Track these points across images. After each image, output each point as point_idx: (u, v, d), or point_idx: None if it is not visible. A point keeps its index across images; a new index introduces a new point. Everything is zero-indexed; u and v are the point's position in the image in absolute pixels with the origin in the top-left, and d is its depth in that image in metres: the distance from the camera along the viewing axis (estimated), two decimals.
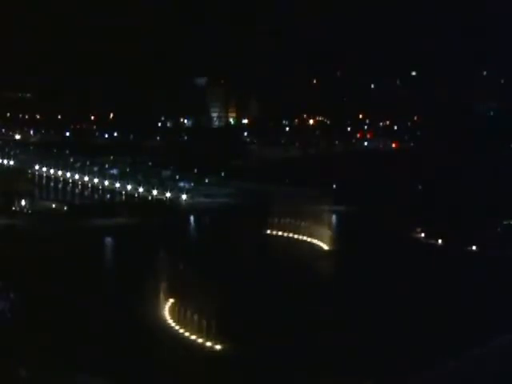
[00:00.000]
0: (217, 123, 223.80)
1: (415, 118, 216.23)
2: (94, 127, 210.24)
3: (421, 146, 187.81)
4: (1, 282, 58.43)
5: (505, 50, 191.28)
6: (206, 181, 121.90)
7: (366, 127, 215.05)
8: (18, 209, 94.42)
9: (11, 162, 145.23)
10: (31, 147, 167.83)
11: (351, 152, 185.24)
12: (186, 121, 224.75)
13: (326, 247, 78.02)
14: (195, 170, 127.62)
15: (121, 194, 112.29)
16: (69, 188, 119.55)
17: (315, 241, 79.77)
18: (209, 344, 48.10)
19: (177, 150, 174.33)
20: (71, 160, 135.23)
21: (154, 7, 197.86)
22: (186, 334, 50.08)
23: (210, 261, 68.97)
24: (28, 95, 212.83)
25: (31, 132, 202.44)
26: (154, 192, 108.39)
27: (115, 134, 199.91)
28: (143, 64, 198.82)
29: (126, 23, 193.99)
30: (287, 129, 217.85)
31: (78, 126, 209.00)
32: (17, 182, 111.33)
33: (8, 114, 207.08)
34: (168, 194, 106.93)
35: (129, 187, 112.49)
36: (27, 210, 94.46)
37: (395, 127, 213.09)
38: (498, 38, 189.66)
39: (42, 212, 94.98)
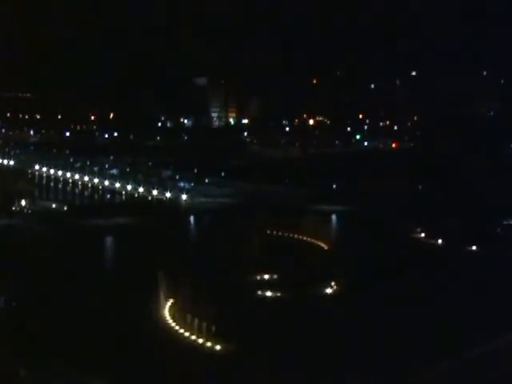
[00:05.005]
0: (217, 123, 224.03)
1: (415, 118, 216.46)
2: (94, 127, 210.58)
3: (421, 146, 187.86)
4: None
5: (505, 50, 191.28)
6: (206, 181, 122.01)
7: (365, 127, 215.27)
8: (18, 209, 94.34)
9: (11, 162, 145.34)
10: (31, 147, 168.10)
11: (351, 152, 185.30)
12: (185, 121, 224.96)
13: (325, 247, 77.98)
14: (195, 170, 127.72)
15: (121, 194, 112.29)
16: (69, 188, 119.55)
17: (315, 241, 79.73)
18: None
19: (177, 149, 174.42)
20: (71, 160, 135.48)
21: (154, 7, 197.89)
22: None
23: (210, 261, 68.90)
24: (28, 95, 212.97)
25: (31, 132, 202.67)
26: (154, 192, 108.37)
27: (115, 134, 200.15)
28: (143, 64, 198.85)
29: (127, 23, 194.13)
30: (287, 129, 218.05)
31: (78, 126, 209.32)
32: (17, 181, 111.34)
33: (8, 114, 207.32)
34: (168, 194, 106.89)
35: (129, 187, 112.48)
36: (27, 210, 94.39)
37: (395, 127, 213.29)
38: (497, 38, 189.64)
39: (42, 212, 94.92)
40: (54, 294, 57.29)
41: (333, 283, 62.22)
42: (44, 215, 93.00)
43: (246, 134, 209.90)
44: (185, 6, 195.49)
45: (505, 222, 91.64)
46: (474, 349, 46.90)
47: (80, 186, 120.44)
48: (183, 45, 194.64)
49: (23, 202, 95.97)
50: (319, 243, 79.03)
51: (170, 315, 53.02)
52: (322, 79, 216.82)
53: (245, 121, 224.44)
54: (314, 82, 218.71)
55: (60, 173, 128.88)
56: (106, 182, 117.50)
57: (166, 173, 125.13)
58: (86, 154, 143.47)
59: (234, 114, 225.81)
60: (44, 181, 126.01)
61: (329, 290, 61.57)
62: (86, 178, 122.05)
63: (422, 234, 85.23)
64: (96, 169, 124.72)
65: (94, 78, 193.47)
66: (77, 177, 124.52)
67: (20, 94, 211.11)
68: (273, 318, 53.03)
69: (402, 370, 43.34)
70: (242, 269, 65.75)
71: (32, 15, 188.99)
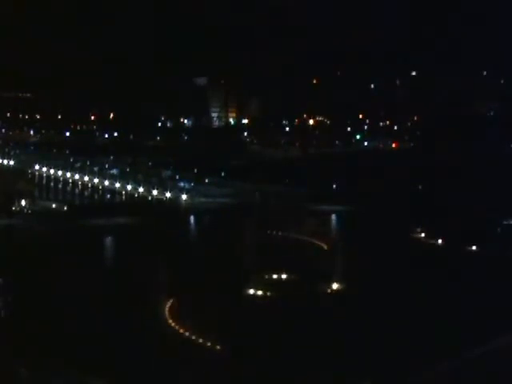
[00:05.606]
0: (217, 123, 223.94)
1: (415, 118, 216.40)
2: (94, 127, 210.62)
3: (421, 146, 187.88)
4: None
5: (505, 50, 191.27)
6: (206, 181, 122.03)
7: (366, 127, 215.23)
8: (18, 209, 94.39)
9: (11, 162, 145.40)
10: (31, 147, 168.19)
11: (351, 152, 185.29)
12: (186, 121, 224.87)
13: (325, 247, 78.05)
14: (195, 170, 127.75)
15: (121, 194, 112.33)
16: (69, 188, 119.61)
17: (315, 240, 79.79)
18: None
19: (177, 149, 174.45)
20: (71, 160, 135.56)
21: (155, 7, 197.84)
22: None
23: (210, 260, 68.98)
24: (28, 95, 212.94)
25: (31, 132, 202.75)
26: (154, 192, 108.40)
27: (115, 134, 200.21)
28: (143, 64, 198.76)
29: (126, 23, 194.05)
30: (287, 129, 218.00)
31: (78, 126, 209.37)
32: (17, 181, 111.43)
33: (8, 114, 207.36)
34: (168, 194, 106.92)
35: (129, 187, 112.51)
36: (27, 210, 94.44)
37: (395, 127, 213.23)
38: (497, 38, 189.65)
39: (42, 212, 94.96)
40: (53, 293, 57.32)
41: (331, 283, 62.28)
42: (44, 215, 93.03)
43: (246, 134, 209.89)
44: (185, 5, 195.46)
45: (505, 222, 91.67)
46: (474, 349, 46.90)
47: (80, 186, 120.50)
48: (183, 45, 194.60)
49: (23, 202, 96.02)
50: (319, 243, 79.11)
51: (169, 315, 53.05)
52: (322, 79, 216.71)
53: (245, 121, 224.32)
54: (314, 82, 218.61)
55: (60, 173, 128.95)
56: (106, 182, 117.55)
57: (166, 173, 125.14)
58: (86, 154, 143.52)
59: (234, 114, 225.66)
60: (44, 181, 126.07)
61: (328, 290, 61.66)
62: (86, 178, 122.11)
63: (422, 234, 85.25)
64: (96, 169, 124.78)
65: (95, 77, 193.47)
66: (77, 177, 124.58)
67: (20, 94, 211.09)
68: (272, 318, 53.06)
69: (403, 369, 43.38)
70: (242, 268, 65.82)
71: (32, 14, 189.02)
